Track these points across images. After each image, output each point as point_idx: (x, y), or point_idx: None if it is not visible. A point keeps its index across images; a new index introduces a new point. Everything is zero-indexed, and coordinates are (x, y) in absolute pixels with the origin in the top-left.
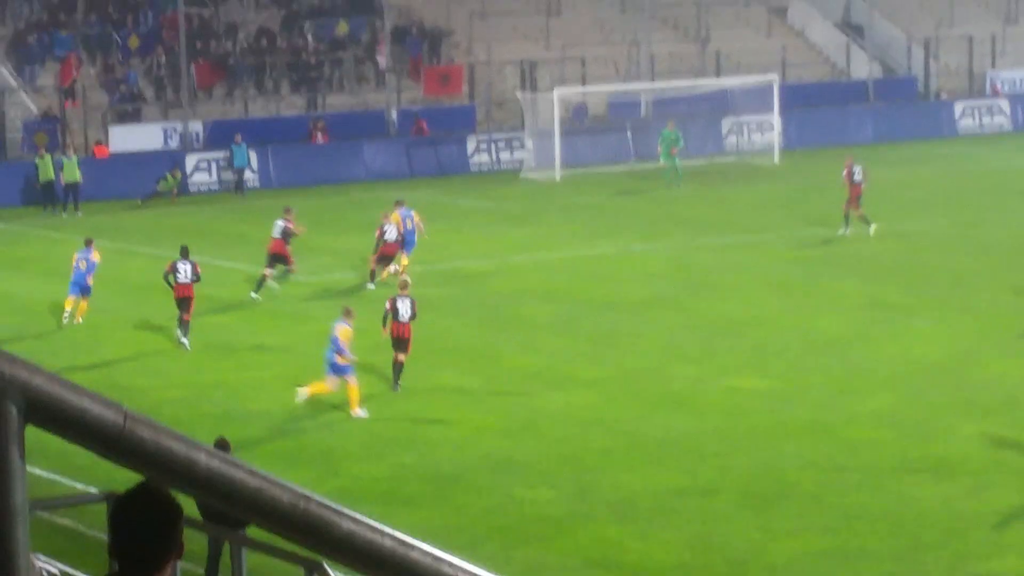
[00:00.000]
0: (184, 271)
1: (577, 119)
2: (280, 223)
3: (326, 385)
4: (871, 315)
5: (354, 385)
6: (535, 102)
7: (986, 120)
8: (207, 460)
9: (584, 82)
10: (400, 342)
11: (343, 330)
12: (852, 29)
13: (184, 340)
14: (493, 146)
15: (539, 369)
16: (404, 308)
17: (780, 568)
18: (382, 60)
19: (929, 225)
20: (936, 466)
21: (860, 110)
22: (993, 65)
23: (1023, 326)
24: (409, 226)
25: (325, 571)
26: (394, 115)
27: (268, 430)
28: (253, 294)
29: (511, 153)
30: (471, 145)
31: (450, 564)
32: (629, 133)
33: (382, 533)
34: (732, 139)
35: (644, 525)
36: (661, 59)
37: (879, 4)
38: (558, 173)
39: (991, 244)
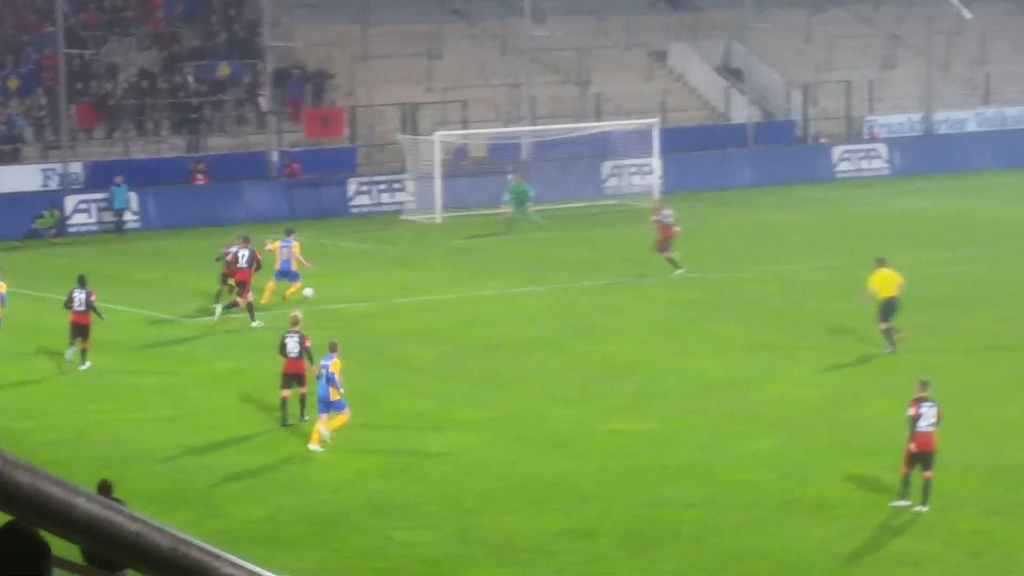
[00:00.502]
0: (79, 299)
1: (458, 161)
2: (244, 252)
3: (322, 424)
4: (752, 357)
5: (344, 418)
6: (416, 144)
7: (864, 164)
8: (86, 504)
9: (465, 124)
10: (292, 378)
11: (336, 364)
12: (731, 73)
13: (82, 367)
14: (374, 188)
15: (420, 411)
16: (292, 344)
17: None
18: (263, 102)
19: (808, 268)
20: (815, 507)
21: (739, 154)
22: (871, 110)
23: (900, 368)
24: (285, 256)
25: None
26: (275, 157)
27: (148, 472)
28: (254, 323)
29: (392, 195)
30: (352, 187)
31: None
32: (510, 176)
33: None
34: (612, 182)
35: (525, 567)
36: (542, 102)
37: (758, 49)
38: (439, 215)
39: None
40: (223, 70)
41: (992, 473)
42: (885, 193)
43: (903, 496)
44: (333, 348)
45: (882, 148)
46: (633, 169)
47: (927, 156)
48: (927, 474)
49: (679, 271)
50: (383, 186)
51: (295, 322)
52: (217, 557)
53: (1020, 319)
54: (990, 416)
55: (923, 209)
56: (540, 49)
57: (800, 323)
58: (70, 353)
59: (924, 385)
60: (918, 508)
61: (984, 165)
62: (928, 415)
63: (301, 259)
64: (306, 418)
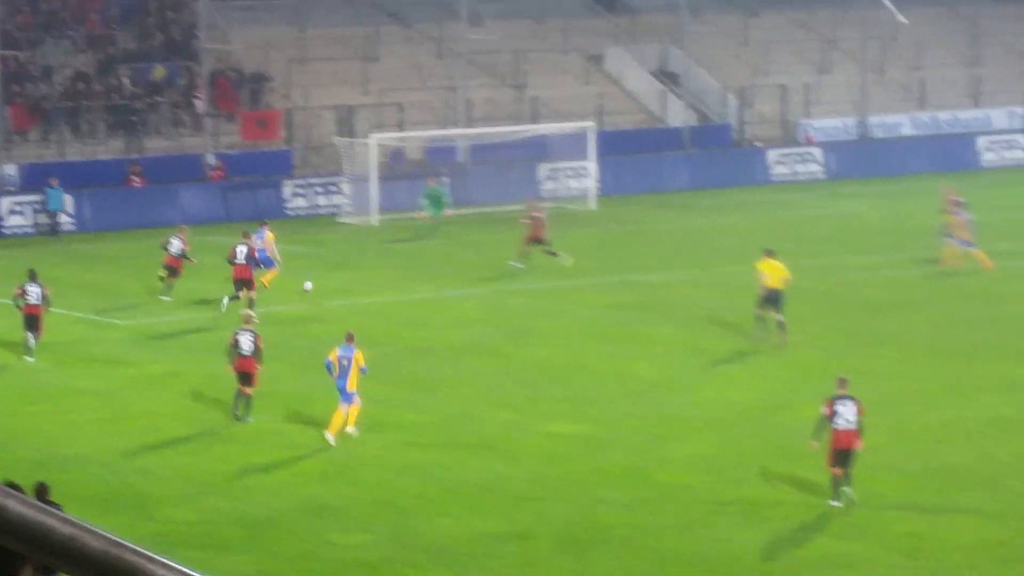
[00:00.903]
0: (34, 293)
1: (394, 164)
2: (243, 248)
3: (342, 413)
4: (686, 361)
5: (358, 408)
6: (352, 147)
7: (799, 168)
8: (17, 507)
9: (401, 127)
10: (244, 376)
11: (359, 355)
12: (668, 77)
13: (29, 359)
14: (310, 191)
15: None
16: (245, 341)
17: None
18: (199, 104)
19: (742, 272)
20: (749, 510)
21: (675, 157)
22: (806, 114)
23: (834, 372)
24: (259, 246)
25: None
26: (211, 159)
27: (83, 475)
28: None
29: (328, 198)
30: (288, 190)
31: None
32: (446, 179)
33: None
34: (549, 185)
35: (460, 570)
36: (478, 105)
37: (695, 53)
38: (375, 218)
39: (803, 291)
40: (159, 72)
41: (925, 476)
42: (820, 197)
43: (836, 496)
44: (350, 339)
45: (817, 152)
46: (569, 172)
47: (862, 160)
48: (848, 470)
49: (518, 265)
50: (319, 188)
51: (247, 320)
52: (151, 560)
53: (953, 323)
54: (923, 419)
55: (858, 213)
56: (476, 52)
57: (735, 327)
58: (31, 342)
59: (843, 383)
60: (833, 502)
61: (919, 169)
62: (845, 413)
63: (275, 249)
64: (251, 420)
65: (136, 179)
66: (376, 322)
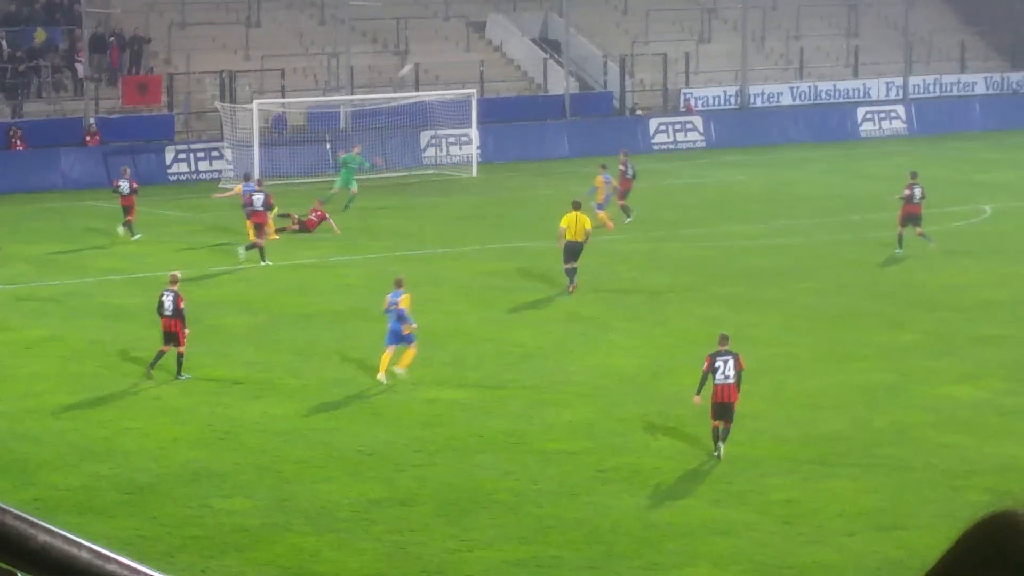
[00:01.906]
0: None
1: (276, 130)
2: (260, 196)
3: (388, 354)
4: (568, 328)
5: (414, 352)
6: (234, 113)
7: (680, 136)
8: None
9: (283, 93)
10: (168, 336)
11: (405, 299)
12: (549, 45)
13: None
14: (192, 156)
15: (236, 379)
16: (168, 302)
17: None
18: (80, 68)
19: (624, 240)
20: (630, 476)
21: (557, 125)
22: (687, 83)
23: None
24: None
25: None
26: (92, 124)
27: None
28: (263, 262)
29: (210, 163)
30: (169, 155)
31: None
32: (328, 145)
33: (79, 546)
34: (431, 152)
35: (341, 535)
36: (360, 71)
37: (576, 21)
38: None
39: (683, 259)
40: (39, 36)
41: (803, 443)
42: (700, 165)
43: (716, 449)
44: (399, 284)
45: (698, 120)
46: (451, 139)
47: (742, 129)
48: (727, 423)
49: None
50: (201, 154)
51: (174, 281)
52: (33, 525)
53: (831, 291)
54: (801, 386)
55: (738, 181)
56: (358, 19)
57: (617, 294)
58: None
59: (724, 339)
60: (715, 453)
61: (798, 138)
62: (724, 368)
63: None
64: (183, 376)
65: (17, 143)
66: (258, 288)
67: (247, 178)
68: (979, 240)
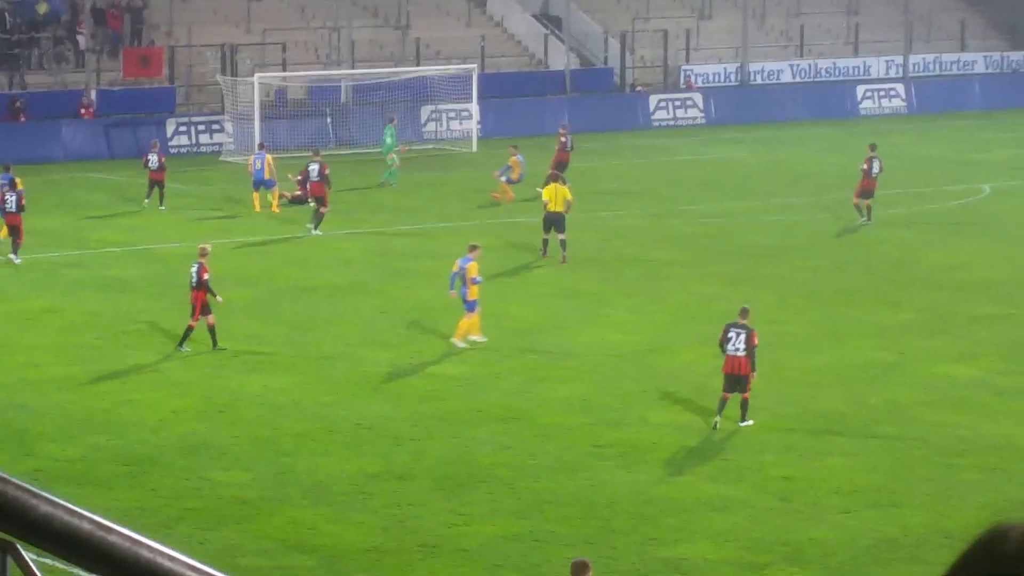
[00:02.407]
0: (10, 201)
1: (277, 104)
2: (315, 166)
3: (468, 321)
4: (565, 303)
5: (476, 317)
6: (235, 86)
7: (680, 113)
8: None
9: (284, 67)
10: (197, 308)
11: (473, 266)
12: (550, 21)
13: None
14: (193, 129)
15: (235, 352)
16: (193, 273)
17: (473, 551)
18: (82, 40)
19: (623, 216)
20: (627, 452)
21: (557, 101)
22: (687, 60)
23: (713, 316)
24: (259, 166)
25: (19, 553)
26: (93, 96)
27: None
28: (313, 230)
29: (211, 136)
30: (171, 128)
31: (149, 548)
32: (329, 119)
33: (80, 516)
34: (431, 127)
35: (339, 508)
36: (361, 45)
37: None
38: None
39: (682, 236)
40: (42, 8)
41: (800, 420)
42: (701, 142)
43: (718, 414)
44: (472, 249)
45: (698, 97)
46: (452, 114)
47: (742, 106)
48: (744, 395)
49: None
50: (202, 127)
51: (203, 253)
52: (34, 495)
53: (829, 269)
54: (799, 364)
55: (738, 159)
56: None
57: (615, 270)
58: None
59: (743, 312)
60: (744, 424)
61: (798, 116)
62: (735, 340)
63: (273, 169)
64: (184, 349)
65: (20, 115)
66: (257, 261)
67: (260, 147)
68: (977, 219)
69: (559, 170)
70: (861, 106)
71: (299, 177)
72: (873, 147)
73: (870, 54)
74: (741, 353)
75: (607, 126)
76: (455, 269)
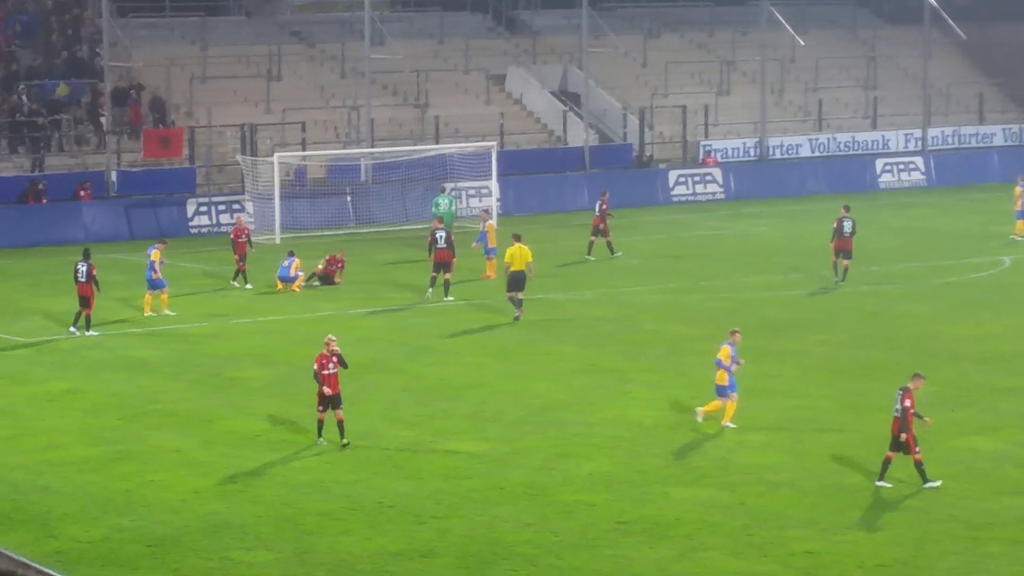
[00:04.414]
0: (82, 271)
1: (297, 183)
2: (442, 233)
3: (731, 404)
4: (588, 380)
5: (734, 402)
6: (255, 165)
7: (699, 188)
8: None
9: (304, 146)
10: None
11: (725, 351)
12: (569, 97)
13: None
14: (213, 208)
15: (257, 432)
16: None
17: None
18: (103, 122)
19: (644, 291)
20: (650, 528)
21: (577, 177)
22: (706, 135)
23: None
24: (285, 264)
25: None
26: (114, 177)
27: None
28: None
29: (231, 216)
30: (191, 208)
31: None
32: (349, 197)
33: None
34: (433, 208)
35: None
36: (381, 124)
37: (595, 73)
38: (278, 236)
39: (703, 311)
40: (62, 90)
41: (823, 494)
42: (720, 217)
43: (880, 479)
44: (732, 334)
45: (717, 173)
46: (471, 191)
47: (761, 181)
48: (913, 456)
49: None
50: (222, 206)
51: (328, 344)
52: None
53: (848, 343)
54: (821, 438)
55: (757, 233)
56: (379, 72)
57: (636, 345)
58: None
59: (914, 377)
60: (927, 485)
61: (816, 190)
62: (896, 402)
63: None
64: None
65: (40, 197)
66: (278, 340)
67: (291, 253)
68: (998, 292)
69: (595, 235)
70: (880, 180)
71: (330, 257)
72: (847, 208)
73: (889, 128)
74: (896, 414)
75: (627, 202)
76: (720, 356)
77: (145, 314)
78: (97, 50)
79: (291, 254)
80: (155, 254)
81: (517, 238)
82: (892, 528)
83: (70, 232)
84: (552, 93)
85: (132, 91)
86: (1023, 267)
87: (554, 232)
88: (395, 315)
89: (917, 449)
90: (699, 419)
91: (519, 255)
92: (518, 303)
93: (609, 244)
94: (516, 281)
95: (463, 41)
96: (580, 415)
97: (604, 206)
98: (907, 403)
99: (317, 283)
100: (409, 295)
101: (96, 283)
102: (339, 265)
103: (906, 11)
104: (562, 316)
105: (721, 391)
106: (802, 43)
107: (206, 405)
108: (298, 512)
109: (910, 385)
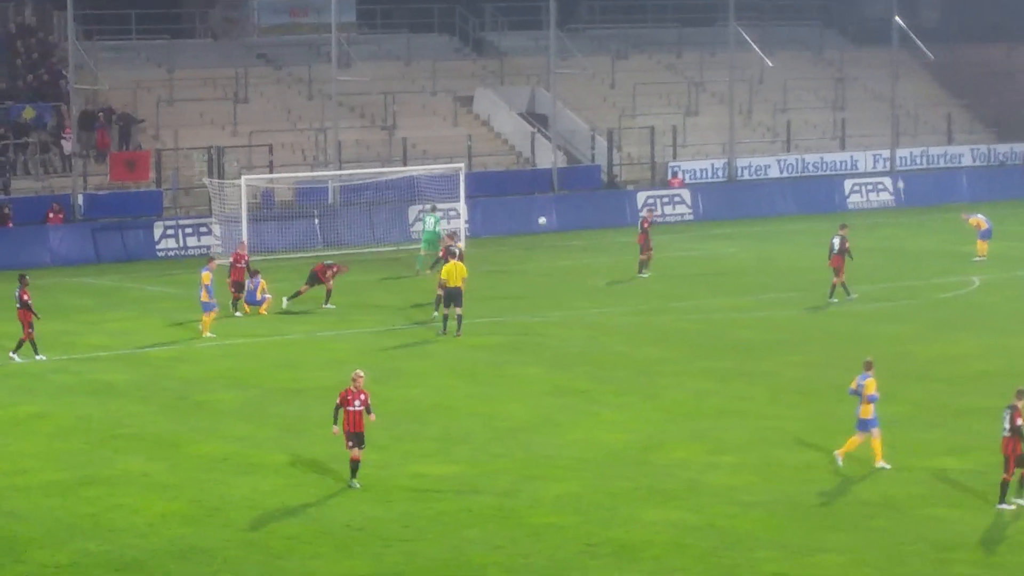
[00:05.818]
0: (17, 297)
1: (264, 205)
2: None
3: (857, 440)
4: (556, 401)
5: (877, 438)
6: (222, 188)
7: (668, 209)
8: None
9: (271, 168)
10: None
11: (871, 383)
12: (537, 119)
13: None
14: (180, 232)
15: (225, 455)
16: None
17: None
18: (68, 145)
19: (612, 313)
20: (619, 550)
21: (545, 198)
22: (674, 156)
23: (705, 413)
24: (252, 287)
25: None
26: (80, 200)
27: None
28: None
29: (198, 239)
30: (158, 231)
31: None
32: (316, 220)
33: None
34: (418, 226)
35: None
36: (348, 146)
37: (563, 95)
38: None
39: (672, 332)
40: (28, 113)
41: (793, 516)
42: (689, 238)
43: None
44: (868, 367)
45: (686, 193)
46: (440, 213)
47: (730, 202)
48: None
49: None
50: (189, 230)
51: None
52: None
53: (819, 364)
54: (791, 459)
55: (727, 254)
56: (346, 94)
57: (605, 367)
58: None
59: (1018, 393)
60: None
61: (786, 211)
62: (1004, 420)
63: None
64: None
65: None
66: (246, 363)
67: (255, 273)
68: (969, 311)
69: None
70: (849, 200)
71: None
72: (843, 226)
73: (857, 148)
74: (1004, 432)
75: (595, 223)
76: (853, 386)
77: (204, 335)
78: (63, 73)
79: (256, 274)
80: (206, 276)
81: (453, 255)
82: (861, 549)
83: (36, 256)
84: (520, 114)
85: (100, 114)
86: (993, 287)
87: (522, 253)
88: (364, 337)
89: (1015, 470)
90: (839, 463)
91: (455, 272)
92: (458, 319)
93: (643, 262)
94: (452, 296)
95: (430, 63)
96: (549, 437)
97: (647, 224)
98: (1019, 422)
99: (306, 287)
100: (380, 317)
101: (29, 307)
102: (335, 270)
103: (873, 32)
104: (530, 338)
105: (864, 425)
106: (770, 64)
107: (174, 429)
108: (266, 536)
109: (1018, 404)
